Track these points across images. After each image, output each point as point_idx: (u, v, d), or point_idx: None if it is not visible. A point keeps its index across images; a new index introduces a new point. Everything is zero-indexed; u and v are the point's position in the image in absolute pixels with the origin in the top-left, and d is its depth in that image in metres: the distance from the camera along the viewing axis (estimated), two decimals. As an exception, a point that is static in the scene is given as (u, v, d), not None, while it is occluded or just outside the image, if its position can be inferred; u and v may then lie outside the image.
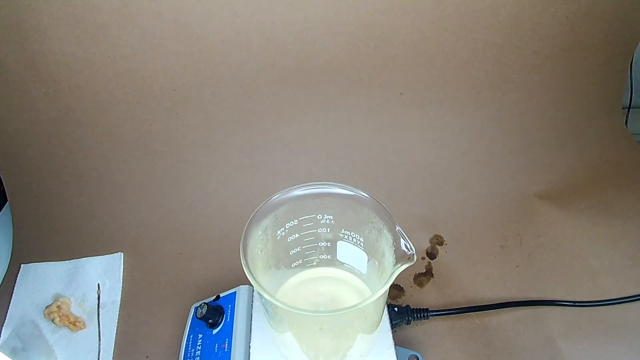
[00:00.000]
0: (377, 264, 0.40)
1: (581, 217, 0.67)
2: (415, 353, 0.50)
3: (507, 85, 0.71)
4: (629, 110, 0.83)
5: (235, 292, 0.51)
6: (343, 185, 0.39)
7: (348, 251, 0.42)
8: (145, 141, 0.68)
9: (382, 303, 0.40)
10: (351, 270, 0.44)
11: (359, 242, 0.41)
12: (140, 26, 0.60)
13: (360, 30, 0.64)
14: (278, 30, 0.62)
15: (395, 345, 0.44)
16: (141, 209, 0.70)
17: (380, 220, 0.38)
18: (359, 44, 0.65)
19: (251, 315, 0.47)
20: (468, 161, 0.74)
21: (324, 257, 0.44)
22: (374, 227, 0.39)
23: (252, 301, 0.49)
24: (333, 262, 0.44)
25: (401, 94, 0.70)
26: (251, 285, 0.47)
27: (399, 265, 0.33)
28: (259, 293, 0.34)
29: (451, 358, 0.53)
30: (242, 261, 0.34)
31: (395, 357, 0.43)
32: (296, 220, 0.40)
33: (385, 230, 0.37)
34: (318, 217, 0.40)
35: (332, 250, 0.43)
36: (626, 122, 0.81)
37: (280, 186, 0.40)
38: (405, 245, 0.34)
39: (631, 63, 0.76)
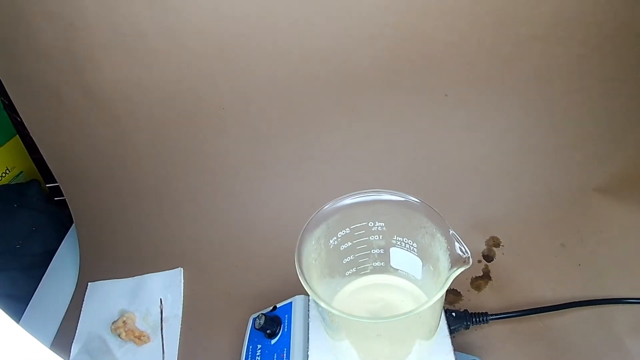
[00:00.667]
0: (432, 269, 0.40)
1: (643, 209, 0.64)
2: (475, 358, 0.49)
3: (554, 78, 0.68)
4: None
5: (291, 302, 0.52)
6: (393, 191, 0.39)
7: (402, 257, 0.42)
8: (198, 159, 0.70)
9: (439, 308, 0.40)
10: (406, 276, 0.43)
11: (412, 248, 0.40)
12: (187, 50, 0.62)
13: (399, 34, 0.63)
14: (318, 41, 0.63)
15: (454, 350, 0.44)
16: (197, 225, 0.72)
17: (433, 224, 0.37)
18: (399, 48, 0.64)
19: (308, 324, 0.48)
20: (520, 159, 0.72)
21: (377, 264, 0.44)
22: (426, 232, 0.38)
23: (309, 310, 0.49)
24: (387, 268, 0.44)
25: (446, 95, 0.69)
26: (307, 294, 0.48)
27: (455, 269, 0.33)
28: (315, 302, 0.34)
29: (513, 361, 0.51)
30: (298, 270, 0.35)
31: (453, 357, 0.43)
32: (348, 229, 0.41)
33: (439, 235, 0.37)
34: (369, 224, 0.41)
35: (385, 257, 0.43)
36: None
37: (329, 195, 0.41)
38: (460, 248, 0.34)
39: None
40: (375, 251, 0.43)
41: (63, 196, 0.73)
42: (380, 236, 0.41)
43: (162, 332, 0.61)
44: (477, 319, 0.52)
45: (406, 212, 0.39)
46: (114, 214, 0.73)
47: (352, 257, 0.43)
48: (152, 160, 0.70)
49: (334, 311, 0.33)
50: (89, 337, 0.62)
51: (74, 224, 0.74)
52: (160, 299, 0.65)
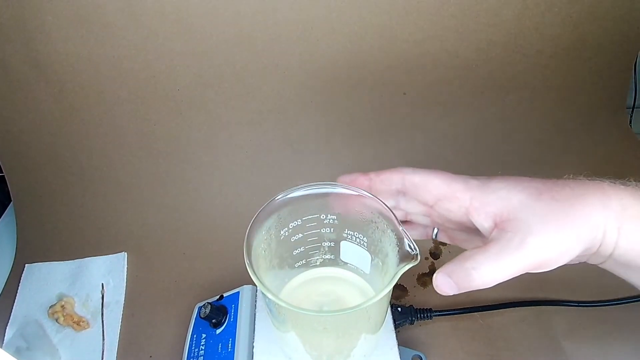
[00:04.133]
0: (380, 264, 0.40)
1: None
2: (418, 353, 0.50)
3: (510, 84, 0.71)
4: (632, 110, 0.83)
5: (238, 292, 0.51)
6: (346, 185, 0.39)
7: (351, 251, 0.42)
8: (149, 141, 0.68)
9: (386, 303, 0.40)
10: (355, 270, 0.44)
11: (362, 242, 0.41)
12: (144, 26, 0.60)
13: (363, 30, 0.64)
14: (281, 30, 0.62)
15: (398, 345, 0.44)
16: (145, 209, 0.70)
17: (384, 220, 0.37)
18: (362, 43, 0.65)
19: (255, 315, 0.47)
20: (471, 161, 0.74)
21: (327, 257, 0.44)
22: (377, 227, 0.39)
23: (256, 301, 0.49)
24: (336, 262, 0.44)
25: (404, 93, 0.70)
26: (255, 285, 0.47)
27: (403, 265, 0.33)
28: (262, 293, 0.33)
29: (455, 358, 0.53)
30: (246, 261, 0.35)
31: (398, 357, 0.43)
32: (300, 220, 0.40)
33: (389, 230, 0.37)
34: (321, 217, 0.40)
35: (335, 250, 0.43)
36: (630, 122, 0.81)
37: (283, 186, 0.40)
38: (409, 245, 0.34)
39: (635, 63, 0.76)
40: (326, 244, 0.43)
41: (1, 172, 0.69)
42: (332, 229, 0.41)
43: (102, 318, 0.60)
44: (422, 315, 0.53)
45: (358, 206, 0.39)
46: (56, 193, 0.70)
47: (302, 249, 0.42)
48: (99, 139, 0.68)
49: (281, 303, 0.32)
50: (25, 321, 0.60)
51: (11, 202, 0.71)
52: (102, 284, 0.63)
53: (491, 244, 0.32)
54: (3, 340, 0.58)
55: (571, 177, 0.33)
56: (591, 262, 0.35)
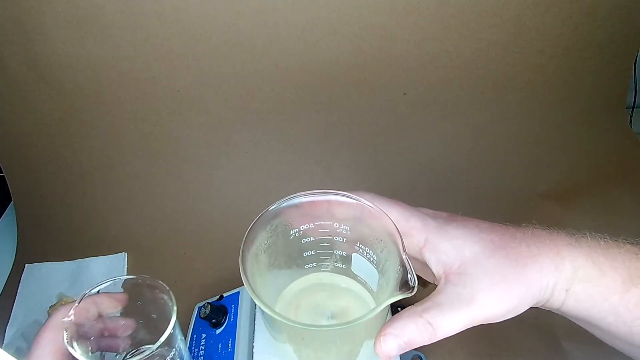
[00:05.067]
0: (385, 285, 0.39)
1: (585, 216, 0.67)
2: (418, 353, 0.50)
3: (510, 85, 0.71)
4: (632, 110, 0.83)
5: (238, 292, 0.51)
6: (366, 195, 0.38)
7: (361, 265, 0.41)
8: (148, 142, 0.68)
9: (384, 315, 0.39)
10: (363, 284, 0.43)
11: (372, 259, 0.40)
12: (144, 27, 0.60)
13: (363, 31, 0.64)
14: (281, 30, 0.62)
15: (398, 345, 0.44)
16: (145, 209, 0.70)
17: (392, 243, 0.36)
18: (362, 44, 0.65)
19: (255, 315, 0.47)
20: (471, 161, 0.74)
21: (339, 265, 0.43)
22: (385, 247, 0.38)
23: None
24: (348, 272, 0.43)
25: (404, 94, 0.70)
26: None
27: (398, 294, 0.32)
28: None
29: (455, 358, 0.53)
30: (240, 260, 0.34)
31: (398, 357, 0.43)
32: (312, 224, 0.40)
33: (394, 255, 0.35)
34: (335, 225, 0.40)
35: (347, 260, 0.42)
36: (630, 122, 0.81)
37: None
38: (410, 277, 0.33)
39: (635, 62, 0.76)
40: (338, 252, 0.42)
41: (1, 173, 0.69)
42: (344, 239, 0.41)
43: (102, 318, 0.59)
44: (422, 316, 0.53)
45: (370, 222, 0.38)
46: (56, 193, 0.70)
47: (313, 253, 0.42)
48: (99, 139, 0.68)
49: (274, 316, 0.32)
50: (25, 321, 0.60)
51: (12, 203, 0.71)
52: (102, 284, 0.63)
53: (441, 296, 0.32)
54: (3, 340, 0.58)
55: (530, 228, 0.34)
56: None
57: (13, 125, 0.66)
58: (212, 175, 0.71)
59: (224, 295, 0.52)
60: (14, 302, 0.62)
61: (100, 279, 0.62)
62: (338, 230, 0.40)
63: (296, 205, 0.39)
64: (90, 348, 0.39)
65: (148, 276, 0.40)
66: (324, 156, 0.72)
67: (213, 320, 0.49)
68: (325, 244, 0.41)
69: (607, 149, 0.75)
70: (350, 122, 0.71)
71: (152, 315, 0.42)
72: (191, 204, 0.71)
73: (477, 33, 0.65)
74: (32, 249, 0.68)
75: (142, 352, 0.36)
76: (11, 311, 0.61)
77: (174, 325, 0.37)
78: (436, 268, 0.34)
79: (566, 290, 0.32)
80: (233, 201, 0.71)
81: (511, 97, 0.72)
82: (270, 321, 0.37)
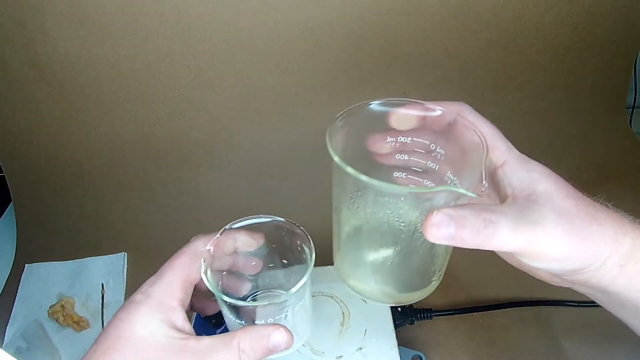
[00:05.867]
0: None
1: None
2: (418, 353, 0.50)
3: (510, 85, 0.71)
4: (633, 110, 0.83)
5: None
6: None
7: None
8: (148, 141, 0.68)
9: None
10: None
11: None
12: (144, 26, 0.60)
13: (363, 30, 0.64)
14: (281, 30, 0.62)
15: (398, 345, 0.44)
16: (144, 209, 0.70)
17: (476, 154, 0.35)
18: (362, 44, 0.65)
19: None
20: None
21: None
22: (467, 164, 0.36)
23: (256, 301, 0.49)
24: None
25: (404, 93, 0.70)
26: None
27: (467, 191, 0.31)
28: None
29: (454, 358, 0.53)
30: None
31: (398, 357, 0.44)
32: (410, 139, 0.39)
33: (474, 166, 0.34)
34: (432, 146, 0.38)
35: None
36: (630, 122, 0.81)
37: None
38: (484, 182, 0.31)
39: (635, 63, 0.76)
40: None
41: (2, 172, 0.69)
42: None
43: (102, 318, 0.60)
44: (422, 315, 0.53)
45: (460, 132, 0.37)
46: (56, 193, 0.70)
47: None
48: (99, 139, 0.68)
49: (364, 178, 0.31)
50: (25, 321, 0.60)
51: (11, 203, 0.71)
52: (102, 284, 0.63)
53: (507, 209, 0.30)
54: (3, 340, 0.58)
55: (602, 200, 0.33)
56: (579, 289, 0.35)
57: (13, 125, 0.66)
58: (212, 175, 0.71)
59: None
60: (14, 302, 0.62)
61: (100, 279, 0.63)
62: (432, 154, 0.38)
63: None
64: (220, 283, 0.39)
65: (293, 222, 0.39)
66: (324, 156, 0.72)
67: (213, 320, 0.49)
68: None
69: (607, 149, 0.75)
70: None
71: (284, 260, 0.42)
72: (191, 204, 0.71)
73: (477, 33, 0.65)
74: (32, 249, 0.68)
75: (276, 296, 0.38)
76: (11, 311, 0.61)
77: (309, 277, 0.36)
78: (506, 189, 0.33)
79: (621, 266, 0.30)
80: (233, 201, 0.71)
81: (511, 97, 0.72)
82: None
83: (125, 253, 0.66)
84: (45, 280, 0.64)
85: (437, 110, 0.37)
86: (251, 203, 0.70)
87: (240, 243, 0.39)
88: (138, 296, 0.35)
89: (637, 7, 0.67)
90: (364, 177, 0.32)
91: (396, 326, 0.49)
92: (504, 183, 0.33)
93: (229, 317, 0.38)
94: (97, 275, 0.64)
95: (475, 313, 0.56)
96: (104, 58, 0.62)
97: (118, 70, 0.63)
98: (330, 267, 0.43)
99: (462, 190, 0.30)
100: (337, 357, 0.44)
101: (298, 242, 0.40)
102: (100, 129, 0.67)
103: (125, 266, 0.65)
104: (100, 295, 0.62)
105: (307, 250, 0.39)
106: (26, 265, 0.66)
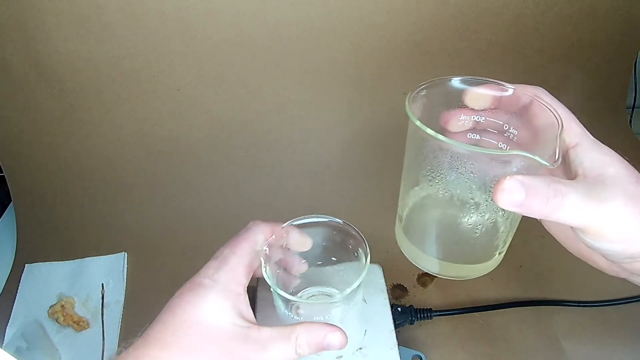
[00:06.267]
0: None
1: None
2: (418, 353, 0.50)
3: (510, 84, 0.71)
4: (633, 110, 0.83)
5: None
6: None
7: None
8: (148, 141, 0.68)
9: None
10: None
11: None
12: (144, 26, 0.60)
13: (363, 30, 0.64)
14: (281, 30, 0.62)
15: (398, 345, 0.44)
16: (145, 209, 0.70)
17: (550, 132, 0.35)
18: (362, 43, 0.65)
19: (254, 315, 0.47)
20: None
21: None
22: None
23: (256, 301, 0.49)
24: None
25: (404, 93, 0.70)
26: (254, 286, 0.47)
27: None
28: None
29: (455, 358, 0.53)
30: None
31: (398, 357, 0.43)
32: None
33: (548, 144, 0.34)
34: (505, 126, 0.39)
35: None
36: (630, 122, 0.81)
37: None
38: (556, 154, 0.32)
39: (635, 62, 0.76)
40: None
41: (1, 172, 0.69)
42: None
43: (102, 318, 0.60)
44: (422, 315, 0.53)
45: (535, 112, 0.37)
46: (56, 193, 0.70)
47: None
48: (99, 139, 0.68)
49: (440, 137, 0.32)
50: (25, 321, 0.60)
51: (11, 202, 0.71)
52: (102, 284, 0.63)
53: (577, 184, 0.30)
54: (3, 340, 0.58)
55: None
56: (637, 281, 0.35)
57: (13, 124, 0.66)
58: (212, 174, 0.71)
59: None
60: (14, 302, 0.62)
61: (100, 279, 0.63)
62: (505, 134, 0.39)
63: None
64: (275, 277, 0.40)
65: (350, 224, 0.40)
66: (324, 156, 0.72)
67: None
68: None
69: (607, 149, 0.75)
70: (350, 122, 0.72)
71: (332, 258, 0.43)
72: (191, 204, 0.70)
73: (477, 33, 0.65)
74: (32, 249, 0.68)
75: (329, 295, 0.39)
76: (11, 311, 0.61)
77: (362, 280, 0.37)
78: (577, 169, 0.33)
79: None
80: (233, 201, 0.71)
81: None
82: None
83: (125, 253, 0.66)
84: (45, 280, 0.64)
85: (510, 89, 0.38)
86: (251, 203, 0.70)
87: (292, 241, 0.41)
88: (206, 281, 0.36)
89: (637, 7, 0.67)
90: (442, 137, 0.33)
91: (396, 326, 0.49)
92: (575, 163, 0.33)
93: (282, 310, 0.39)
94: (97, 275, 0.64)
95: (475, 313, 0.56)
96: (104, 58, 0.62)
97: (118, 70, 0.63)
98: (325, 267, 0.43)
99: (537, 158, 0.30)
100: (337, 357, 0.44)
101: (350, 242, 0.41)
102: (100, 129, 0.67)
103: (126, 266, 0.65)
104: (101, 295, 0.62)
105: (361, 252, 0.39)
106: (26, 265, 0.66)
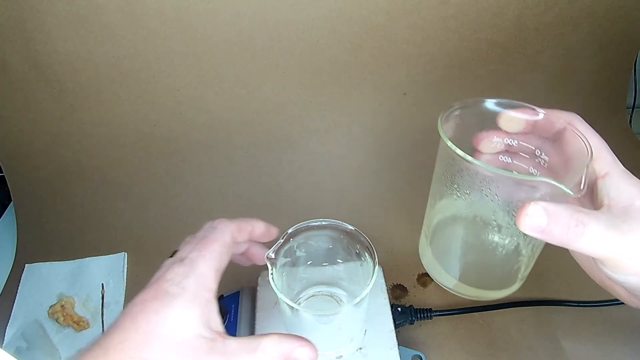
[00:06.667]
0: None
1: (585, 217, 0.67)
2: (418, 353, 0.50)
3: (510, 85, 0.71)
4: (632, 110, 0.83)
5: (238, 291, 0.51)
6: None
7: None
8: (148, 141, 0.68)
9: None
10: None
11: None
12: (144, 26, 0.60)
13: (363, 30, 0.64)
14: (281, 30, 0.62)
15: (398, 345, 0.44)
16: (145, 209, 0.70)
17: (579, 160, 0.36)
18: (362, 44, 0.65)
19: (255, 315, 0.47)
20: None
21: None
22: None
23: (256, 301, 0.49)
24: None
25: (404, 94, 0.70)
26: (253, 286, 0.47)
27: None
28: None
29: (454, 358, 0.53)
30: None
31: (398, 357, 0.44)
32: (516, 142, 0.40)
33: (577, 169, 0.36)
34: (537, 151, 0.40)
35: None
36: (630, 122, 0.81)
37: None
38: (582, 184, 0.33)
39: (635, 63, 0.76)
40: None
41: (1, 172, 0.69)
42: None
43: (102, 319, 0.60)
44: (422, 315, 0.53)
45: (567, 139, 0.38)
46: (56, 193, 0.70)
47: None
48: (99, 139, 0.68)
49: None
50: (25, 321, 0.60)
51: (11, 202, 0.71)
52: (102, 284, 0.63)
53: (600, 214, 0.31)
54: (3, 340, 0.58)
55: None
56: None
57: (13, 125, 0.66)
58: (212, 175, 0.71)
59: (224, 295, 0.52)
60: (14, 302, 0.62)
61: (100, 279, 0.63)
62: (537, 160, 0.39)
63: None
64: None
65: (359, 230, 0.41)
66: (324, 156, 0.72)
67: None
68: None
69: (607, 149, 0.75)
70: (350, 122, 0.72)
71: (338, 260, 0.44)
72: (191, 204, 0.70)
73: (477, 33, 0.65)
74: (32, 249, 0.68)
75: (332, 296, 0.41)
76: (11, 311, 0.61)
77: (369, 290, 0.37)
78: (603, 199, 0.33)
79: None
80: (233, 201, 0.71)
81: (511, 97, 0.71)
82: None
83: (125, 253, 0.66)
84: (45, 280, 0.64)
85: (541, 114, 0.39)
86: (251, 203, 0.70)
87: (259, 233, 0.41)
88: (173, 288, 0.33)
89: (637, 7, 0.67)
90: (471, 159, 0.34)
91: (396, 326, 0.49)
92: (602, 193, 0.33)
93: (287, 315, 0.40)
94: (97, 275, 0.64)
95: (475, 313, 0.56)
96: (104, 58, 0.62)
97: (118, 70, 0.63)
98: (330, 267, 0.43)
99: (562, 186, 0.31)
100: (337, 357, 0.44)
101: (357, 247, 0.41)
102: (100, 129, 0.67)
103: (126, 266, 0.65)
104: (101, 295, 0.62)
105: (369, 259, 0.40)
106: (26, 265, 0.66)
